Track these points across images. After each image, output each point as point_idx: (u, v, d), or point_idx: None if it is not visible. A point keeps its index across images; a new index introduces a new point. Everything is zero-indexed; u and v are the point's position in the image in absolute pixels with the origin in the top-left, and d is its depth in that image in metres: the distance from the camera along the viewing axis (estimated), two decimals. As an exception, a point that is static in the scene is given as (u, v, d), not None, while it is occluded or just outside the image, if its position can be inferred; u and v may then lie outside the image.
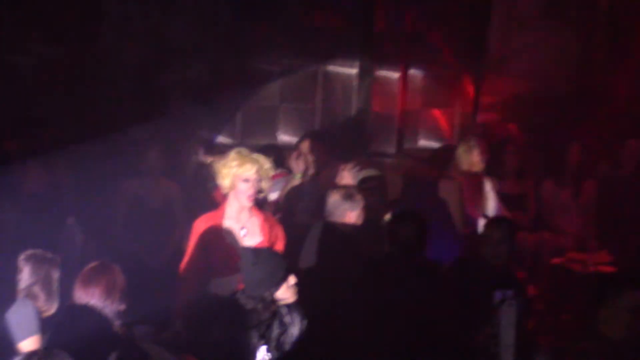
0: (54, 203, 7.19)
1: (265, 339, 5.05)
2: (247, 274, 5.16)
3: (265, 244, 5.92)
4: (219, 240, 5.96)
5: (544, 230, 8.73)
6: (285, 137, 10.01)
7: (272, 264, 5.17)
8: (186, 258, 5.99)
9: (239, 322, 5.01)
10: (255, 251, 5.23)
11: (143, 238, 7.56)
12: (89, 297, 4.87)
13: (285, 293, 5.16)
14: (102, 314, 4.85)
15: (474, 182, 8.22)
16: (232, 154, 6.03)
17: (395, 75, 10.20)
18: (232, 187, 5.99)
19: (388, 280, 5.87)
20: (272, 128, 10.08)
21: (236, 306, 5.08)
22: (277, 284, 5.13)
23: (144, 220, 7.62)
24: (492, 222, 6.55)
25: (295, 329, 5.16)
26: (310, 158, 7.80)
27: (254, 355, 4.99)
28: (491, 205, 8.26)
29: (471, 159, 8.23)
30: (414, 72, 10.26)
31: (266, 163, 6.02)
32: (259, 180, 5.99)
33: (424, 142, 10.36)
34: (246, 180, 5.96)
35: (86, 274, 4.98)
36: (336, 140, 8.83)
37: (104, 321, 4.85)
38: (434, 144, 10.23)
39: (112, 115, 9.00)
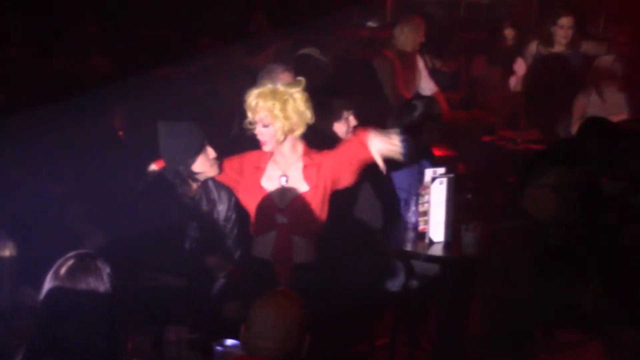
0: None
1: (194, 216, 5.04)
2: (162, 147, 4.99)
3: (314, 194, 5.06)
4: (255, 190, 5.12)
5: (475, 108, 8.82)
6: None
7: (186, 135, 4.96)
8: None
9: (166, 198, 4.99)
10: (170, 123, 5.01)
11: (76, 117, 7.47)
12: None
13: (203, 166, 5.00)
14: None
15: (407, 61, 8.25)
16: (263, 85, 5.06)
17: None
18: None
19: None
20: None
21: (162, 182, 5.04)
22: (193, 157, 4.97)
23: (75, 99, 7.52)
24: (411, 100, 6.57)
25: (223, 206, 5.14)
26: None
27: (184, 233, 5.00)
28: (424, 83, 8.33)
29: (405, 37, 8.25)
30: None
31: (277, 105, 4.95)
32: (267, 125, 4.99)
33: (359, 21, 10.31)
34: (252, 123, 5.05)
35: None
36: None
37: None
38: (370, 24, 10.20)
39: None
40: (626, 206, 5.42)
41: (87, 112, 6.63)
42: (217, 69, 7.73)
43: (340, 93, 5.89)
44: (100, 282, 3.42)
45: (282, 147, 5.06)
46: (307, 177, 5.06)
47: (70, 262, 3.44)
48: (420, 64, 8.33)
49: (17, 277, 4.40)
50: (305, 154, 5.10)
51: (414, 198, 5.99)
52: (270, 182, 5.09)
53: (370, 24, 9.42)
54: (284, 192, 5.06)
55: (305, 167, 5.07)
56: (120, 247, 4.82)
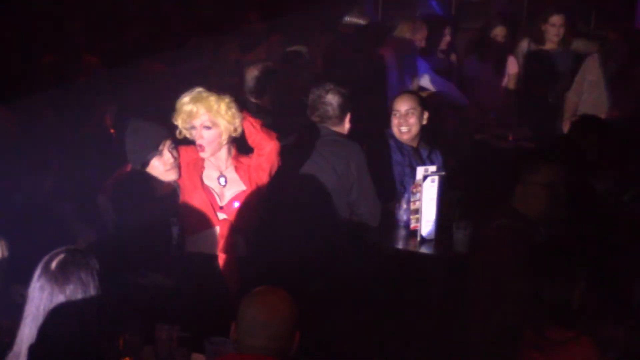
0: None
1: (174, 213, 5.07)
2: (126, 143, 5.01)
3: (252, 192, 5.16)
4: (197, 186, 5.16)
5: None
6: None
7: (145, 135, 4.99)
8: None
9: (140, 196, 5.00)
10: (138, 120, 5.04)
11: (67, 115, 7.46)
12: None
13: (156, 169, 5.02)
14: None
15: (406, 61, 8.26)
16: (193, 92, 5.06)
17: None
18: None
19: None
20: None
21: (135, 180, 5.03)
22: (146, 157, 4.98)
23: (66, 96, 7.51)
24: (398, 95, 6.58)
25: None
26: None
27: (168, 231, 5.02)
28: (425, 82, 8.34)
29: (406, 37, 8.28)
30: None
31: (223, 106, 5.00)
32: (209, 127, 5.03)
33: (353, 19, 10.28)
34: (193, 127, 5.05)
35: None
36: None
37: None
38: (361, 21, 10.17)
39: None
40: (618, 204, 5.44)
41: (78, 109, 6.62)
42: (209, 65, 7.72)
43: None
44: (91, 277, 3.40)
45: (220, 151, 5.15)
46: (242, 177, 5.16)
47: (60, 256, 3.40)
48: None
49: (7, 274, 4.38)
50: (235, 157, 5.21)
51: (406, 196, 5.99)
52: (210, 181, 5.17)
53: (361, 21, 9.39)
54: (223, 191, 5.16)
55: (237, 168, 5.17)
56: (105, 245, 4.83)
